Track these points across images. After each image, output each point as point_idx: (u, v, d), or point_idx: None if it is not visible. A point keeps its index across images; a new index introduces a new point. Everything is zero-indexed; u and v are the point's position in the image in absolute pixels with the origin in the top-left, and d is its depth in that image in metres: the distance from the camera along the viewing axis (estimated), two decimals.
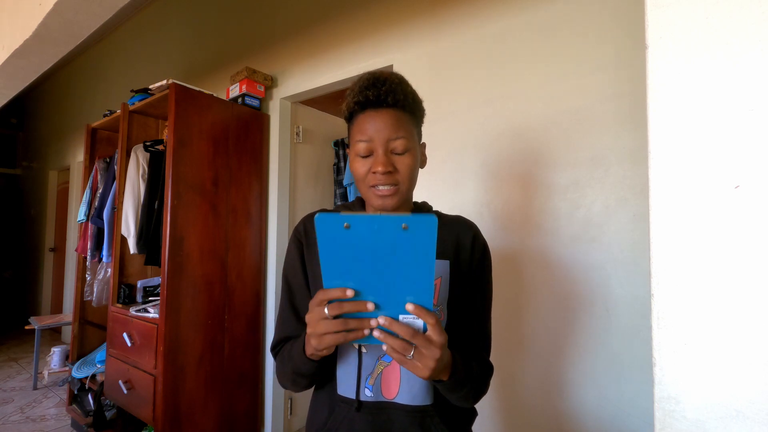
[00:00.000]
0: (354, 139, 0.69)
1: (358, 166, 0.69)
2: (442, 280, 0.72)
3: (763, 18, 0.41)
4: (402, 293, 0.52)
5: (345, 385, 0.69)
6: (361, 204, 0.79)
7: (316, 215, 0.48)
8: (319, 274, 0.73)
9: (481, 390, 0.71)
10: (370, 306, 0.52)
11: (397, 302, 0.53)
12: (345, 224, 0.48)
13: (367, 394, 0.68)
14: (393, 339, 0.52)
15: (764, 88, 0.41)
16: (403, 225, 0.47)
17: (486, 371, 0.74)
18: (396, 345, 0.52)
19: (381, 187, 0.68)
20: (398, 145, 0.67)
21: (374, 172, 0.67)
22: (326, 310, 0.52)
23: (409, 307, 0.52)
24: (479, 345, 0.76)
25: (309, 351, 0.61)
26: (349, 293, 0.52)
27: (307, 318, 0.56)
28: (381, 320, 0.52)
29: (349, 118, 0.72)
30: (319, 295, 0.54)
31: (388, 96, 0.66)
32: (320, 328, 0.54)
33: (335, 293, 0.52)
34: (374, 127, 0.66)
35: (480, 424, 0.79)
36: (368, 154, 0.68)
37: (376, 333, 0.53)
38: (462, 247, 0.76)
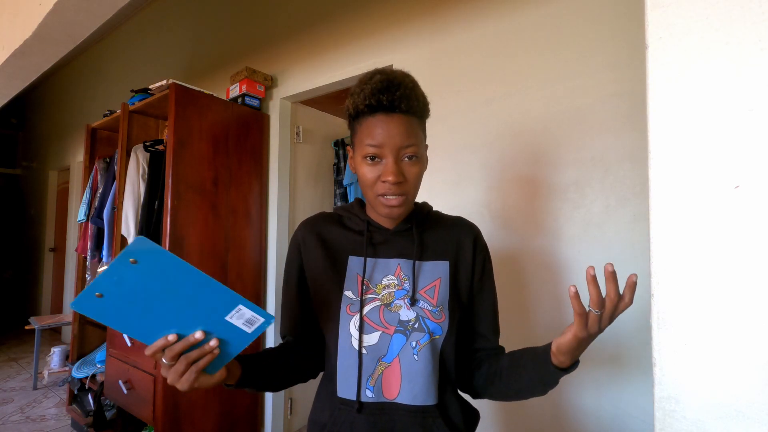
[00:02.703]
0: (362, 142, 0.67)
1: (365, 171, 0.67)
2: (442, 281, 0.72)
3: (763, 18, 0.41)
4: (202, 309, 0.53)
5: (345, 386, 0.69)
6: (360, 205, 0.79)
7: (71, 304, 0.49)
8: (318, 279, 0.74)
9: None
10: (199, 335, 0.53)
11: (212, 317, 0.54)
12: (131, 260, 0.48)
13: (368, 395, 0.68)
14: None
15: (764, 88, 0.41)
16: (131, 260, 0.47)
17: None
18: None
19: (390, 197, 0.67)
20: (409, 151, 0.65)
21: (384, 181, 0.65)
22: (164, 360, 0.53)
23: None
24: (497, 343, 0.79)
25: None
26: (171, 338, 0.53)
27: (162, 372, 0.57)
28: None
29: (355, 117, 0.69)
30: (146, 350, 0.54)
31: (402, 102, 0.63)
32: (171, 375, 0.54)
33: (159, 344, 0.53)
34: (386, 133, 0.64)
35: (480, 423, 0.79)
36: (376, 158, 0.66)
37: None
38: (463, 248, 0.76)
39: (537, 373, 0.65)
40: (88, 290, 0.48)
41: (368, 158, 0.66)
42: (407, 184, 0.67)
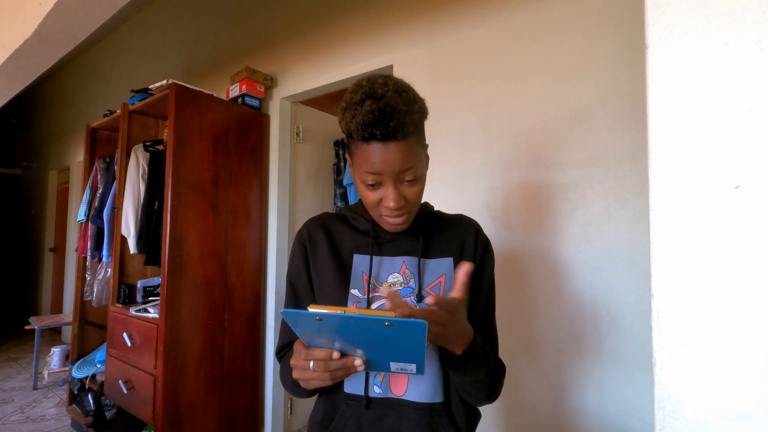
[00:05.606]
0: (360, 166, 0.65)
1: (366, 194, 0.67)
2: (447, 278, 0.72)
3: (763, 18, 0.41)
4: (391, 354, 0.53)
5: (352, 382, 0.70)
6: (364, 206, 0.78)
7: (281, 311, 0.48)
8: (323, 277, 0.74)
9: (496, 382, 0.71)
10: (358, 363, 0.53)
11: (385, 357, 0.54)
12: (317, 318, 0.46)
13: (375, 391, 0.69)
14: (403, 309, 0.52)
15: (764, 88, 0.41)
16: (387, 323, 0.46)
17: (500, 368, 0.74)
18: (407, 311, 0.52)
19: (391, 218, 0.67)
20: (408, 175, 0.64)
21: (386, 206, 0.65)
22: (311, 365, 0.54)
23: (429, 299, 0.54)
24: (489, 344, 0.77)
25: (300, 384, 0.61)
26: (336, 356, 0.53)
27: (292, 363, 0.57)
28: (387, 304, 0.53)
29: (350, 136, 0.66)
30: (302, 351, 0.55)
31: (397, 132, 0.59)
32: (306, 375, 0.56)
33: (320, 355, 0.53)
34: (383, 161, 0.61)
35: (481, 423, 0.79)
36: (376, 184, 0.65)
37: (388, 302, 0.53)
38: (465, 244, 0.76)
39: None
40: (312, 314, 0.46)
41: (368, 183, 0.65)
42: (409, 204, 0.67)
